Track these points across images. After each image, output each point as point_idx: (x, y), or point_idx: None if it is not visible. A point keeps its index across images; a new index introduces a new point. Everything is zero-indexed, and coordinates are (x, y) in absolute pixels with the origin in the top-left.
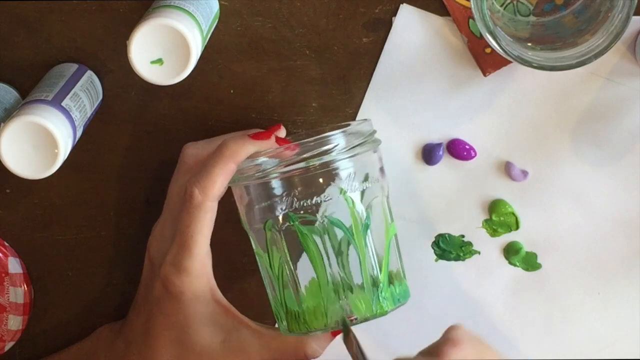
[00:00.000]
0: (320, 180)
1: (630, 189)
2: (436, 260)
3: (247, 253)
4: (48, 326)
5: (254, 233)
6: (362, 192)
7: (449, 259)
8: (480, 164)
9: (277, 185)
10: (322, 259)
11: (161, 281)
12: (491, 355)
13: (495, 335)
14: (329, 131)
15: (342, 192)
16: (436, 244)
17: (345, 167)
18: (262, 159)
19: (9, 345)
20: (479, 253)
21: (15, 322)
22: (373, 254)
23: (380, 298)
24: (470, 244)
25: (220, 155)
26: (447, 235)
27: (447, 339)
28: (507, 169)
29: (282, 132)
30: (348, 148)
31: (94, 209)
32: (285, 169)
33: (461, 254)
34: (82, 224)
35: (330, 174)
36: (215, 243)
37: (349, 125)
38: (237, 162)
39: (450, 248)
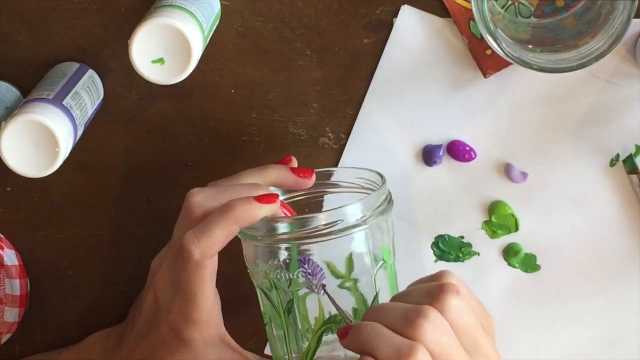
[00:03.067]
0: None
1: (630, 191)
2: (435, 261)
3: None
4: (48, 324)
5: (261, 290)
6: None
7: (448, 260)
8: (480, 166)
9: (286, 254)
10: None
11: (169, 326)
12: (483, 310)
13: (495, 336)
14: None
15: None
16: (436, 245)
17: (356, 241)
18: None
19: (5, 338)
20: (479, 254)
21: (11, 315)
22: None
23: None
24: (469, 245)
25: (226, 216)
26: (446, 236)
27: (445, 288)
28: (507, 170)
29: (294, 162)
30: (370, 214)
31: (95, 208)
32: (297, 236)
33: (460, 255)
34: (83, 222)
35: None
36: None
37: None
38: (241, 226)
39: (449, 249)
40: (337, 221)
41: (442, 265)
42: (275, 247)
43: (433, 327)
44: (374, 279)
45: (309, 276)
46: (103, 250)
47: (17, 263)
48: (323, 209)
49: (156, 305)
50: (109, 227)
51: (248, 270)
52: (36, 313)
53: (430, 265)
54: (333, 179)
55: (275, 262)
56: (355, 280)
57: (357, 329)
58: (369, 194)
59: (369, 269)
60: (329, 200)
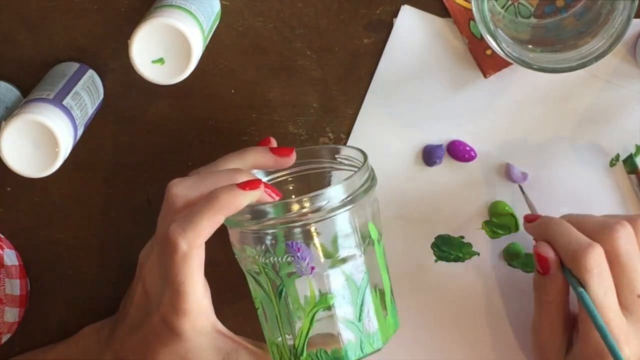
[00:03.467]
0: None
1: (630, 191)
2: (436, 261)
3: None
4: (48, 324)
5: (250, 275)
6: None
7: (448, 260)
8: (480, 166)
9: (274, 238)
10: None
11: (160, 317)
12: None
13: (495, 336)
14: (320, 152)
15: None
16: (436, 244)
17: (342, 221)
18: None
19: (5, 338)
20: (479, 254)
21: (11, 315)
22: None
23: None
24: (469, 245)
25: (210, 206)
26: (446, 236)
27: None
28: (507, 170)
29: (273, 144)
30: (354, 194)
31: (95, 208)
32: (283, 221)
33: (461, 255)
34: (83, 222)
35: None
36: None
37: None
38: (226, 215)
39: (449, 249)
40: (322, 205)
41: (442, 265)
42: (262, 233)
43: (627, 233)
44: (363, 257)
45: (298, 260)
46: (103, 251)
47: (17, 263)
48: (308, 188)
49: (146, 298)
50: (109, 226)
51: (236, 256)
52: (36, 313)
53: (430, 265)
54: (315, 157)
55: (262, 247)
56: (344, 260)
57: (546, 219)
58: (353, 171)
59: (356, 248)
60: (313, 178)
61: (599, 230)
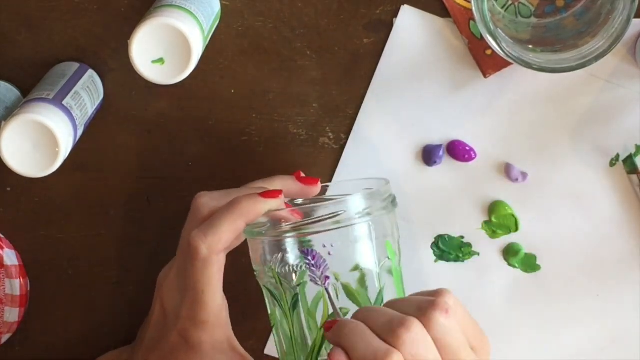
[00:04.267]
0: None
1: (630, 191)
2: (435, 261)
3: (243, 287)
4: (48, 324)
5: (267, 289)
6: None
7: (448, 260)
8: (480, 166)
9: (291, 245)
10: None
11: (178, 333)
12: (477, 332)
13: (494, 336)
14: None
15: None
16: (436, 244)
17: (360, 231)
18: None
19: (5, 337)
20: (479, 254)
21: (11, 314)
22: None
23: None
24: (469, 245)
25: (231, 212)
26: (446, 236)
27: (436, 304)
28: (507, 170)
29: (316, 189)
30: (365, 210)
31: (95, 208)
32: (300, 226)
33: (460, 255)
34: (83, 222)
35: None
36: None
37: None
38: (247, 221)
39: (449, 249)
40: (339, 211)
41: (442, 265)
42: (279, 241)
43: (412, 339)
44: (378, 275)
45: (312, 267)
46: (103, 250)
47: (17, 263)
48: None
49: (164, 316)
50: (109, 226)
51: (255, 272)
52: (36, 313)
53: (430, 265)
54: (338, 191)
55: (279, 255)
56: (360, 272)
57: (341, 324)
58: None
59: (373, 264)
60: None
61: (385, 331)
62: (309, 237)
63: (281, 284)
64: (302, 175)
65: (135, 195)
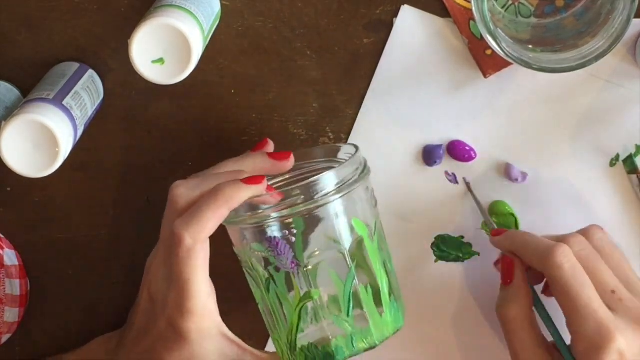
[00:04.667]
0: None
1: (630, 191)
2: (436, 261)
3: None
4: (47, 324)
5: (247, 272)
6: (375, 210)
7: (448, 260)
8: (480, 166)
9: (273, 229)
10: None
11: (166, 321)
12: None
13: (495, 336)
14: (319, 157)
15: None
16: (436, 245)
17: (325, 215)
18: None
19: (5, 338)
20: (479, 254)
21: (11, 315)
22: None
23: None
24: (469, 245)
25: (214, 200)
26: (446, 236)
27: (592, 225)
28: (507, 170)
29: (270, 146)
30: (340, 185)
31: (94, 208)
32: (281, 212)
33: (461, 255)
34: (82, 222)
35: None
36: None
37: (337, 158)
38: (229, 208)
39: (449, 249)
40: (302, 195)
41: (442, 265)
42: (250, 227)
43: (579, 241)
44: (347, 253)
45: (278, 255)
46: (103, 250)
47: (17, 263)
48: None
49: (151, 304)
50: (109, 227)
51: (236, 254)
52: (36, 313)
53: (430, 265)
54: (313, 158)
55: (247, 242)
56: (325, 255)
57: (512, 233)
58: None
59: (338, 243)
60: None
61: (555, 239)
62: (270, 223)
63: (253, 268)
64: (271, 145)
65: (135, 195)
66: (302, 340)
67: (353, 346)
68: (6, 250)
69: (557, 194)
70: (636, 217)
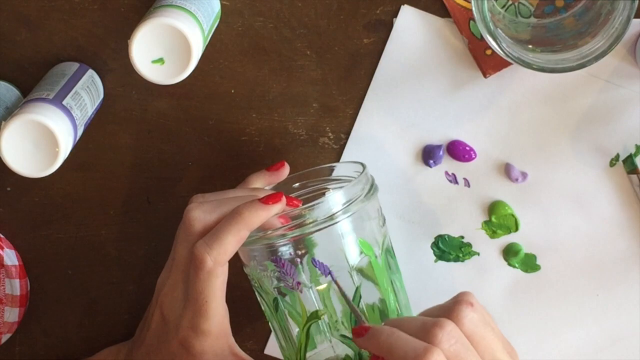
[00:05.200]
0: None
1: (630, 191)
2: (435, 261)
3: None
4: (48, 324)
5: (256, 291)
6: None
7: (448, 260)
8: (480, 166)
9: (281, 250)
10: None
11: (179, 341)
12: (495, 327)
13: None
14: (322, 176)
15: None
16: (436, 244)
17: (330, 236)
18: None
19: (5, 337)
20: (479, 254)
21: (11, 314)
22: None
23: None
24: (469, 245)
25: (234, 222)
26: (446, 236)
27: (460, 300)
28: (506, 170)
29: (286, 169)
30: (347, 205)
31: (95, 208)
32: (288, 233)
33: (460, 255)
34: (83, 222)
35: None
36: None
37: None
38: (250, 230)
39: (449, 249)
40: (315, 214)
41: (442, 265)
42: (258, 249)
43: (448, 336)
44: (353, 273)
45: (283, 275)
46: (103, 250)
47: (17, 263)
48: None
49: (163, 324)
50: (109, 226)
51: (246, 273)
52: (36, 313)
53: (430, 265)
54: (317, 177)
55: (255, 262)
56: (329, 275)
57: (376, 330)
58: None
59: (345, 263)
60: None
61: (420, 335)
62: (279, 244)
63: (262, 287)
64: (287, 168)
65: (135, 195)
66: (313, 357)
67: None
68: (6, 250)
69: (557, 194)
70: (636, 217)
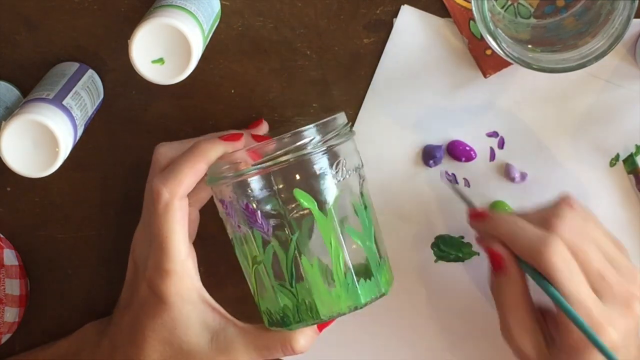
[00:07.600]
0: (297, 176)
1: (630, 191)
2: (436, 261)
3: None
4: (47, 324)
5: (239, 233)
6: (340, 184)
7: (448, 260)
8: (480, 166)
9: (256, 185)
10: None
11: (146, 284)
12: (598, 222)
13: (495, 336)
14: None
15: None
16: (436, 245)
17: (320, 160)
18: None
19: (5, 338)
20: (479, 254)
21: (11, 314)
22: (344, 249)
23: (357, 290)
24: (469, 245)
25: (190, 154)
26: (446, 236)
27: (561, 202)
28: (506, 170)
29: (264, 128)
30: (323, 141)
31: (94, 208)
32: (262, 165)
33: (461, 255)
34: (83, 222)
35: (306, 168)
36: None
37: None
38: (207, 162)
39: (449, 249)
40: (291, 143)
41: (442, 265)
42: (247, 182)
43: (568, 228)
44: (287, 222)
45: (228, 216)
46: (103, 250)
47: (17, 263)
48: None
49: (135, 270)
50: (109, 226)
51: (224, 221)
52: (36, 313)
53: (430, 265)
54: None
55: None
56: (266, 220)
57: (496, 217)
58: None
59: (278, 212)
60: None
61: (543, 221)
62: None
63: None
64: (265, 125)
65: (135, 195)
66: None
67: (299, 317)
68: (6, 250)
69: (557, 194)
70: (636, 217)
